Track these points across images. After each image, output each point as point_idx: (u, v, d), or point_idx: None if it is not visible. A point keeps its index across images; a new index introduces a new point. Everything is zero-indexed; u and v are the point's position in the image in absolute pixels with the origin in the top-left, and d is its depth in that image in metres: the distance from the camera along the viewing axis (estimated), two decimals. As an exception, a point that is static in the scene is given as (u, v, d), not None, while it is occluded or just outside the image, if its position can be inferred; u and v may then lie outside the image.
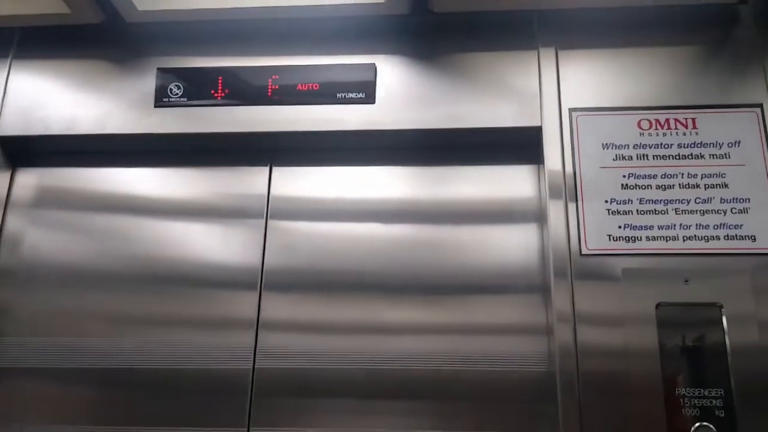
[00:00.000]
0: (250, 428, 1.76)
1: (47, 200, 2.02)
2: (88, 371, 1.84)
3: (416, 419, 1.74)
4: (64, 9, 1.92)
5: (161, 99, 1.96)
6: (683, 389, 1.58)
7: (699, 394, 1.57)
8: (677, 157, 1.77)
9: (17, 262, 1.96)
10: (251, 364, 1.81)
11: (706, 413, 1.56)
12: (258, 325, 1.85)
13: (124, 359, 1.84)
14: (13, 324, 1.91)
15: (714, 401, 1.57)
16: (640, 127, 1.81)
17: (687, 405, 1.57)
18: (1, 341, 1.90)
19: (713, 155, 1.76)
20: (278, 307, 1.86)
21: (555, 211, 1.76)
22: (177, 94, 1.96)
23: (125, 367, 1.84)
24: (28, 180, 2.05)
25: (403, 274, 1.86)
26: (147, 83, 1.99)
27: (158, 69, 1.99)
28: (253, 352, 1.82)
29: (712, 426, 1.54)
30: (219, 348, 1.83)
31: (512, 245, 1.86)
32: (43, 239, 1.98)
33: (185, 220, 1.97)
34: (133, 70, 2.01)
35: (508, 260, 1.85)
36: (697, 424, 1.55)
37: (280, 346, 1.82)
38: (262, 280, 1.89)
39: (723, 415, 1.55)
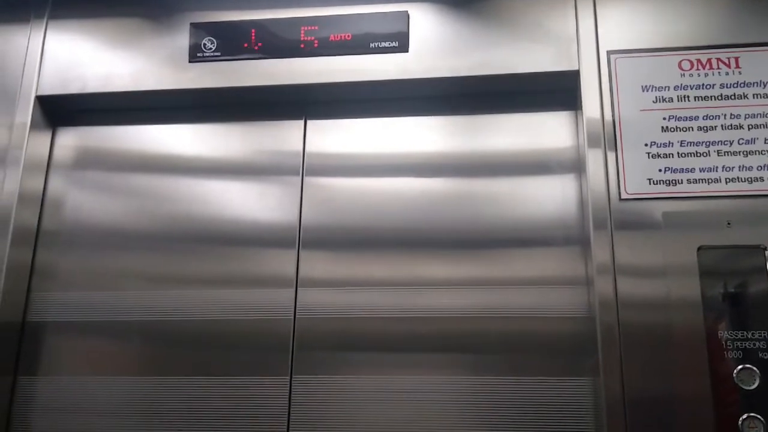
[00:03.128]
0: (293, 376, 1.79)
1: (87, 160, 2.05)
2: (131, 324, 1.89)
3: (454, 369, 1.76)
4: (97, -33, 1.94)
5: (195, 54, 1.96)
6: (726, 333, 1.56)
7: (742, 336, 1.56)
8: (719, 98, 1.73)
9: (59, 222, 2.01)
10: (292, 318, 1.84)
11: (749, 355, 1.54)
12: (297, 280, 1.87)
13: (166, 314, 1.88)
14: (58, 281, 1.96)
15: (757, 344, 1.55)
16: (681, 68, 1.76)
17: (729, 348, 1.55)
18: (47, 297, 1.95)
19: (757, 95, 1.72)
20: (316, 263, 1.88)
21: (594, 157, 1.73)
22: (210, 48, 1.96)
23: (167, 320, 1.88)
24: (68, 140, 2.08)
25: (440, 228, 1.86)
26: (180, 39, 2.00)
27: (191, 24, 2.00)
28: (293, 306, 1.85)
29: (755, 368, 1.53)
30: (261, 303, 1.86)
31: (550, 195, 1.85)
32: (84, 199, 2.02)
33: (222, 178, 1.98)
34: (166, 27, 2.02)
35: (546, 211, 1.84)
36: (740, 367, 1.54)
37: (319, 301, 1.84)
38: (300, 237, 1.90)
39: (767, 357, 1.53)
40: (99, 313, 1.91)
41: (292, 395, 1.78)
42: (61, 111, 2.07)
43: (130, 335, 1.88)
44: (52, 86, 2.00)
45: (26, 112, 1.99)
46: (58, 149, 2.07)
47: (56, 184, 2.04)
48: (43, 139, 2.04)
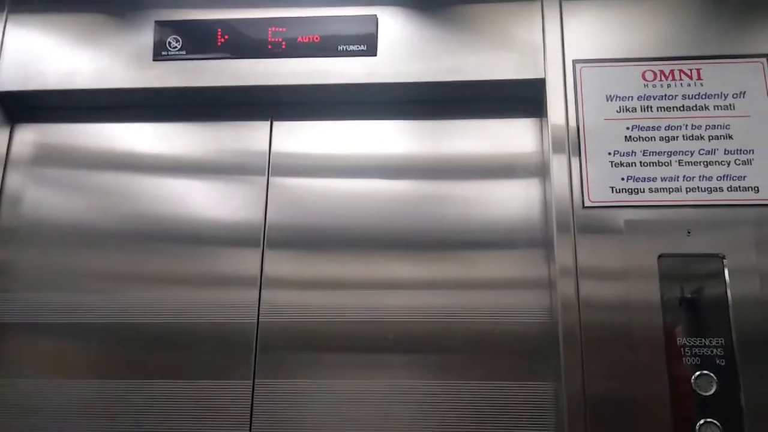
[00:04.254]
0: (256, 380, 1.78)
1: (47, 157, 2.01)
2: (91, 326, 1.85)
3: (418, 371, 1.76)
4: (59, -39, 1.90)
5: (160, 53, 1.94)
6: (684, 339, 1.59)
7: (699, 343, 1.59)
8: (681, 109, 1.76)
9: (18, 219, 1.96)
10: (255, 319, 1.82)
11: (706, 362, 1.57)
12: (261, 281, 1.85)
13: (127, 315, 1.85)
14: (16, 281, 1.91)
15: (714, 350, 1.58)
16: (645, 79, 1.79)
17: (688, 354, 1.58)
18: (3, 297, 1.90)
19: (718, 106, 1.76)
20: (281, 263, 1.87)
21: (558, 164, 1.75)
22: (176, 47, 1.93)
23: (128, 322, 1.85)
24: (28, 136, 2.03)
25: (405, 229, 1.87)
26: (145, 37, 1.96)
27: (156, 22, 1.97)
28: (257, 307, 1.83)
29: (712, 374, 1.56)
30: (224, 304, 1.84)
31: (514, 199, 1.87)
32: (43, 196, 1.97)
33: (186, 176, 1.96)
34: (130, 24, 1.98)
35: (510, 214, 1.85)
36: (698, 373, 1.57)
37: (283, 302, 1.83)
38: (264, 237, 1.89)
39: (723, 363, 1.57)
40: (57, 315, 1.87)
41: (254, 399, 1.77)
42: (20, 107, 2.02)
43: (89, 337, 1.85)
44: (11, 82, 1.95)
45: (-17, 107, 1.94)
46: (17, 145, 2.02)
47: (14, 180, 1.99)
48: (1, 135, 2.00)
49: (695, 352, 1.58)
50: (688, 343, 1.59)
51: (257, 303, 1.84)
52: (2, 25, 2.01)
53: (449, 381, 1.74)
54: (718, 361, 1.57)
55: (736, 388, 1.55)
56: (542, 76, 1.82)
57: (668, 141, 1.74)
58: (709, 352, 1.58)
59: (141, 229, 1.92)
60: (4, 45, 1.99)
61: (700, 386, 1.56)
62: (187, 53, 1.93)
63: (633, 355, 1.60)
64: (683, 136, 1.74)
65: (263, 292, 1.84)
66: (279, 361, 1.79)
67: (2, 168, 1.99)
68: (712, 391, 1.55)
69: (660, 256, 1.65)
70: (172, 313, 1.84)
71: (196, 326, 1.83)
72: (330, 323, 1.80)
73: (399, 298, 1.81)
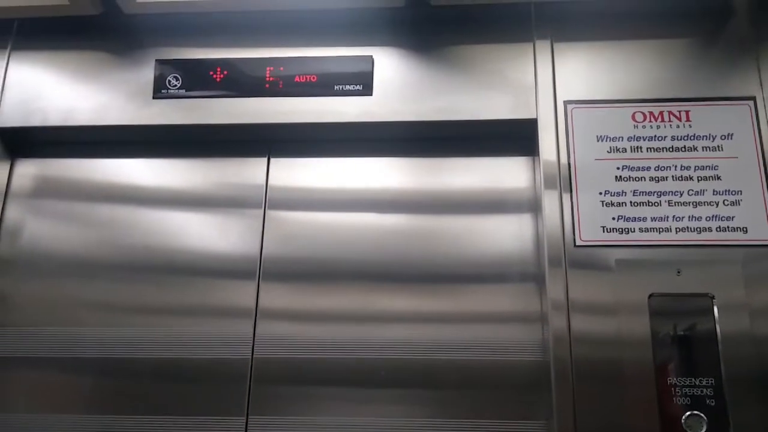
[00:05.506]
0: (249, 416, 1.78)
1: (46, 191, 2.03)
2: (87, 360, 1.86)
3: (412, 407, 1.77)
4: (63, 0, 1.93)
5: (160, 90, 1.97)
6: (675, 378, 1.61)
7: (690, 383, 1.60)
8: (671, 150, 1.79)
9: (17, 251, 1.98)
10: (250, 353, 1.83)
11: (697, 402, 1.58)
12: (256, 314, 1.87)
13: (123, 349, 1.86)
14: (13, 314, 1.93)
15: (705, 390, 1.59)
16: (635, 120, 1.82)
17: (678, 394, 1.59)
18: (1, 331, 1.91)
19: (706, 147, 1.78)
20: (276, 296, 1.88)
21: (550, 202, 1.78)
22: (175, 85, 1.97)
23: (124, 357, 1.85)
24: (28, 170, 2.06)
25: (400, 264, 1.88)
26: (145, 74, 2.00)
27: (156, 60, 2.00)
28: (251, 340, 1.84)
29: (702, 414, 1.57)
30: (218, 337, 1.85)
31: (507, 235, 1.88)
32: (42, 229, 1.99)
33: (184, 210, 1.98)
34: (131, 62, 2.02)
35: (503, 250, 1.87)
36: (688, 413, 1.58)
37: (278, 335, 1.84)
38: (260, 270, 1.91)
39: (713, 403, 1.58)
40: (53, 349, 1.88)
41: (248, 437, 1.78)
42: (21, 142, 2.05)
43: (85, 372, 1.86)
44: (12, 118, 1.99)
45: (-16, 142, 1.97)
46: (17, 179, 2.05)
47: (14, 213, 2.01)
48: (1, 169, 2.03)
49: (685, 392, 1.59)
50: (678, 383, 1.60)
51: (252, 336, 1.85)
52: (5, 62, 2.04)
53: (443, 419, 1.75)
54: (708, 401, 1.58)
55: (726, 427, 1.56)
56: (534, 117, 1.85)
57: (658, 181, 1.76)
58: (699, 392, 1.59)
59: (138, 262, 1.94)
60: (6, 81, 2.02)
61: (690, 426, 1.57)
62: (186, 91, 1.96)
63: (624, 393, 1.60)
64: (672, 176, 1.77)
65: (258, 325, 1.86)
66: (272, 396, 1.80)
67: (2, 201, 2.01)
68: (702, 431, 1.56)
69: (651, 296, 1.66)
70: (166, 347, 1.85)
71: (190, 360, 1.84)
72: (323, 358, 1.81)
73: (392, 332, 1.82)
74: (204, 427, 1.78)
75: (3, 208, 2.01)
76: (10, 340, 1.90)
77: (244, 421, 1.78)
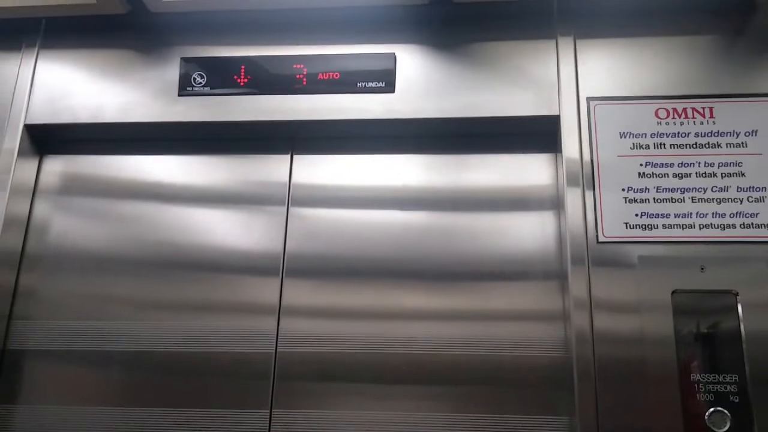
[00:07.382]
0: (273, 410, 1.80)
1: (73, 187, 2.07)
2: (114, 354, 1.89)
3: (433, 403, 1.78)
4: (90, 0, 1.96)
5: (185, 88, 1.99)
6: (698, 375, 1.60)
7: (713, 380, 1.60)
8: (694, 146, 1.79)
9: (45, 247, 2.01)
10: (273, 348, 1.85)
11: (720, 398, 1.58)
12: (280, 310, 1.89)
13: (149, 343, 1.89)
14: (40, 308, 1.96)
15: (728, 387, 1.59)
16: (658, 116, 1.82)
17: (702, 390, 1.59)
18: (28, 324, 1.95)
19: (730, 144, 1.78)
20: (299, 293, 1.90)
21: (572, 199, 1.78)
22: (200, 83, 1.99)
23: (150, 351, 1.88)
24: (55, 167, 2.09)
25: (422, 261, 1.89)
26: (171, 72, 2.02)
27: (182, 58, 2.03)
28: (275, 336, 1.86)
29: (726, 411, 1.56)
30: (242, 332, 1.87)
31: (529, 232, 1.89)
32: (69, 225, 2.03)
33: (208, 207, 2.00)
34: (157, 60, 2.04)
35: (525, 247, 1.88)
36: (712, 410, 1.57)
37: (301, 331, 1.86)
38: (283, 266, 1.92)
39: (737, 400, 1.57)
40: (80, 342, 1.91)
41: (271, 429, 1.79)
42: (49, 139, 2.08)
43: (112, 365, 1.89)
44: (41, 115, 2.02)
45: (14, 139, 2.00)
46: (45, 175, 2.08)
47: (42, 209, 2.05)
48: (30, 166, 2.06)
49: (709, 389, 1.59)
50: (702, 379, 1.60)
51: (275, 332, 1.87)
52: (33, 60, 2.08)
53: (464, 414, 1.76)
54: (731, 398, 1.58)
55: (750, 424, 1.56)
56: (557, 113, 1.85)
57: (681, 178, 1.76)
58: (723, 389, 1.59)
59: (163, 258, 1.97)
60: (35, 80, 2.06)
61: (714, 423, 1.56)
62: (211, 89, 1.98)
63: (647, 390, 1.60)
64: (696, 173, 1.76)
65: (281, 321, 1.87)
66: (296, 390, 1.82)
67: (31, 197, 2.05)
68: (726, 428, 1.56)
69: (674, 292, 1.66)
70: (191, 341, 1.88)
71: (215, 354, 1.86)
72: (345, 354, 1.83)
73: (415, 329, 1.83)
74: (229, 420, 1.81)
75: (31, 204, 2.04)
76: (37, 333, 1.93)
77: (268, 414, 1.80)
